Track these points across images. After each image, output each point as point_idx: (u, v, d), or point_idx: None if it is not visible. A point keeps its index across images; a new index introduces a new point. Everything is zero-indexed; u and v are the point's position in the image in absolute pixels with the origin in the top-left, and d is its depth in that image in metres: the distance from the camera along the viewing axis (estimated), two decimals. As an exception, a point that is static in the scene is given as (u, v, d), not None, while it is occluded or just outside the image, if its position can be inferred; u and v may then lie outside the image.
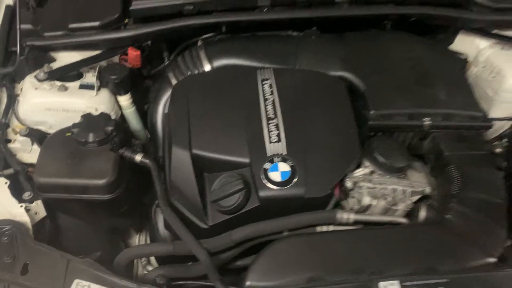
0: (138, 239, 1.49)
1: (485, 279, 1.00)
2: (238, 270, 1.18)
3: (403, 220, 1.15)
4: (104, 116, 1.28)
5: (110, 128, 1.24)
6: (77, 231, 1.32)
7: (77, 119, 1.28)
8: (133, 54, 1.42)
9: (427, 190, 1.21)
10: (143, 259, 1.33)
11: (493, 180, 1.20)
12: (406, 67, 1.39)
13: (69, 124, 1.28)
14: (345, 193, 1.20)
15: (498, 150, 1.48)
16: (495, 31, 1.60)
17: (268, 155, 1.16)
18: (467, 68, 1.66)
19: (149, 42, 1.56)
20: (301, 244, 1.06)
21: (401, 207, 1.15)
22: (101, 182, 1.17)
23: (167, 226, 1.26)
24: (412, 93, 1.32)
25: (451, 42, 1.68)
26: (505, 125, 1.52)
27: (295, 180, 1.12)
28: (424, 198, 1.25)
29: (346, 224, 1.12)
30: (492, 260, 1.05)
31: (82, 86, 1.38)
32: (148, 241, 1.41)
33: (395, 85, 1.34)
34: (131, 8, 1.47)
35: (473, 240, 1.07)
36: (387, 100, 1.30)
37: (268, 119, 1.22)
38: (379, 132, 1.29)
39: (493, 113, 1.54)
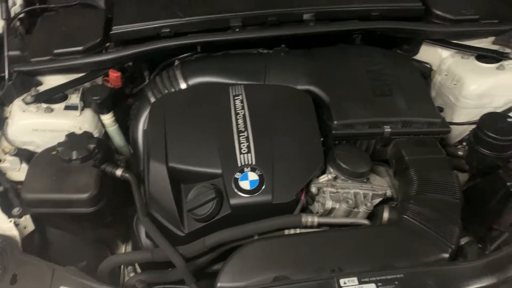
0: (125, 249, 1.57)
1: (437, 273, 1.08)
2: (215, 274, 1.27)
3: (365, 221, 1.24)
4: (86, 135, 1.37)
5: (92, 146, 1.33)
6: (64, 243, 1.40)
7: (62, 138, 1.37)
8: (114, 75, 1.52)
9: (388, 193, 1.30)
10: (129, 267, 1.42)
11: (449, 181, 1.28)
12: (368, 79, 1.49)
13: (55, 143, 1.36)
14: (312, 198, 1.29)
15: (460, 153, 1.58)
16: (455, 41, 1.71)
17: (239, 166, 1.25)
18: (432, 77, 1.76)
19: (131, 63, 1.67)
20: (267, 246, 1.14)
21: (362, 209, 1.23)
22: (84, 196, 1.26)
23: (147, 235, 1.34)
24: (373, 103, 1.41)
25: (416, 52, 1.80)
26: (468, 129, 1.62)
27: (263, 187, 1.21)
28: (389, 200, 1.34)
29: (311, 226, 1.21)
30: (445, 255, 1.13)
31: (67, 107, 1.47)
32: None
33: (357, 96, 1.43)
34: (111, 32, 1.58)
35: (427, 238, 1.15)
36: (349, 110, 1.39)
37: (239, 132, 1.31)
38: (343, 140, 1.38)
39: (456, 119, 1.64)
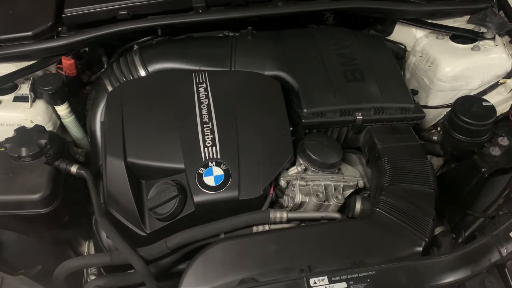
0: (87, 247, 1.49)
1: (410, 268, 1.03)
2: (181, 274, 1.20)
3: (336, 215, 1.18)
4: (37, 129, 1.26)
5: (43, 141, 1.23)
6: (20, 245, 1.31)
7: (11, 133, 1.26)
8: (67, 63, 1.40)
9: (360, 183, 1.24)
10: (93, 268, 1.34)
11: (423, 170, 1.23)
12: (339, 63, 1.41)
13: (3, 138, 1.26)
14: (281, 191, 1.23)
15: (435, 137, 1.53)
16: (430, 21, 1.64)
17: (203, 160, 1.17)
18: (407, 58, 1.70)
19: (87, 48, 1.55)
20: (233, 246, 1.07)
21: (333, 202, 1.18)
22: (35, 196, 1.17)
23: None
24: (343, 89, 1.34)
25: (390, 32, 1.72)
26: (443, 113, 1.57)
27: (229, 183, 1.14)
28: (361, 190, 1.29)
29: (281, 222, 1.15)
30: (419, 249, 1.09)
31: (17, 99, 1.36)
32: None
33: (327, 82, 1.36)
34: (63, 15, 1.46)
35: (400, 231, 1.10)
36: (320, 98, 1.32)
37: (203, 123, 1.23)
38: (313, 129, 1.31)
39: (431, 101, 1.59)
